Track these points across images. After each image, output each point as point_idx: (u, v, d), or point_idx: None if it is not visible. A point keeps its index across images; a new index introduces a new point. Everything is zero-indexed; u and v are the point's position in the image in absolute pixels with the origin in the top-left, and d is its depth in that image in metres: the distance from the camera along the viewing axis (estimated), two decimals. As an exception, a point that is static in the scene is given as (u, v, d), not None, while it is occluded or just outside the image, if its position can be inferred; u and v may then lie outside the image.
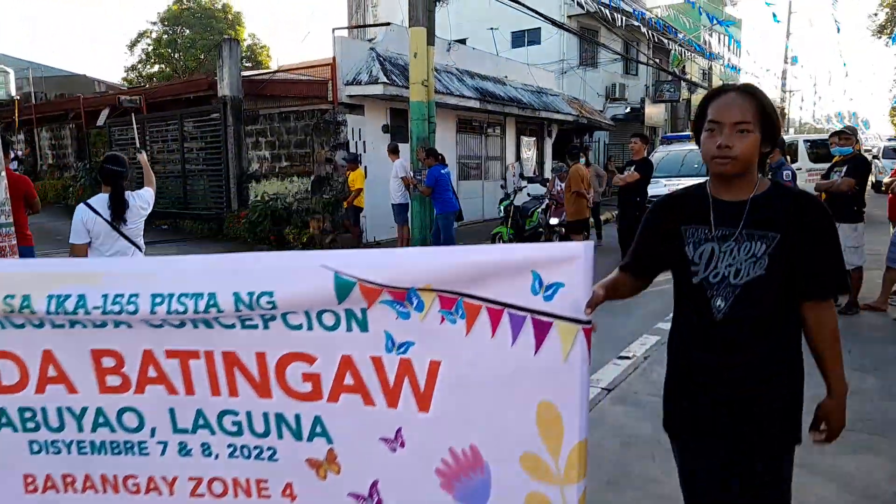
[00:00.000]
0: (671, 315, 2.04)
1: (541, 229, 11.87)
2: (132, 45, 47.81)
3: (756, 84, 2.52)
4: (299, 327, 1.71)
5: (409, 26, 9.98)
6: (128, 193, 4.28)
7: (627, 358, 5.14)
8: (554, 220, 10.65)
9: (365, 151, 12.17)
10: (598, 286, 1.80)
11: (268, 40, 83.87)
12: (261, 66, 41.00)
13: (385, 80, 11.45)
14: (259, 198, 12.70)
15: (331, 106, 11.82)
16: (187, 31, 43.93)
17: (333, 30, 11.57)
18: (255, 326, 1.71)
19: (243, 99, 13.25)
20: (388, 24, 12.98)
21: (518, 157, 17.67)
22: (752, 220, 1.79)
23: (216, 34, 46.35)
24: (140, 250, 4.42)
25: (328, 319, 1.70)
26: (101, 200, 4.17)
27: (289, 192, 12.33)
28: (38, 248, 8.69)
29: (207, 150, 13.73)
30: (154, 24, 44.88)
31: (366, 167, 12.13)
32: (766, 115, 1.77)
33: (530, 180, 14.62)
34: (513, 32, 25.02)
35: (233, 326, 1.72)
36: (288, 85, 13.54)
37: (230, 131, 13.12)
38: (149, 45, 44.97)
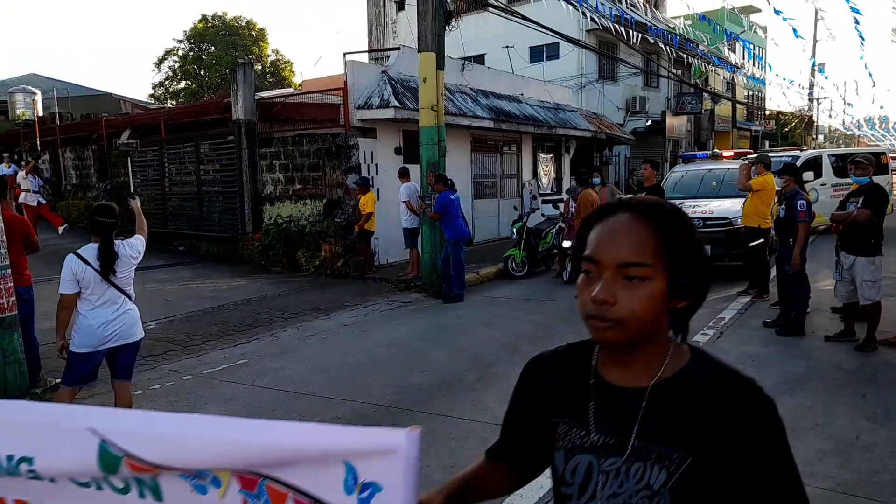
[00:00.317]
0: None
1: (555, 251, 11.73)
2: (159, 63, 48.82)
3: (781, 94, 1.59)
4: (88, 485, 1.45)
5: (419, 51, 9.94)
6: (118, 243, 4.25)
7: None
8: (566, 244, 10.50)
9: (377, 174, 12.15)
10: (437, 492, 1.26)
11: (292, 55, 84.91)
12: (284, 83, 41.51)
13: (396, 103, 11.42)
14: (272, 220, 12.74)
15: (343, 129, 11.83)
16: (212, 48, 44.77)
17: (345, 54, 11.61)
18: (41, 477, 1.47)
19: (257, 122, 13.34)
20: (399, 47, 12.98)
21: (535, 174, 17.54)
22: (651, 424, 1.12)
23: (240, 51, 47.17)
24: (130, 298, 4.39)
25: (117, 482, 1.42)
26: (90, 250, 4.15)
27: (302, 214, 12.35)
28: (55, 270, 8.73)
29: (223, 173, 13.82)
30: (180, 41, 45.82)
31: (378, 190, 12.11)
32: (676, 250, 1.10)
33: (545, 199, 14.49)
34: (531, 47, 24.93)
35: (17, 473, 1.48)
36: (302, 108, 13.59)
37: (244, 154, 13.20)
38: (175, 62, 45.90)
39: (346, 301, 9.45)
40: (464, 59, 15.17)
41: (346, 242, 11.32)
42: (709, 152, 15.51)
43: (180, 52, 44.76)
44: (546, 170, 18.31)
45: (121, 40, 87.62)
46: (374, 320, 8.37)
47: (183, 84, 45.29)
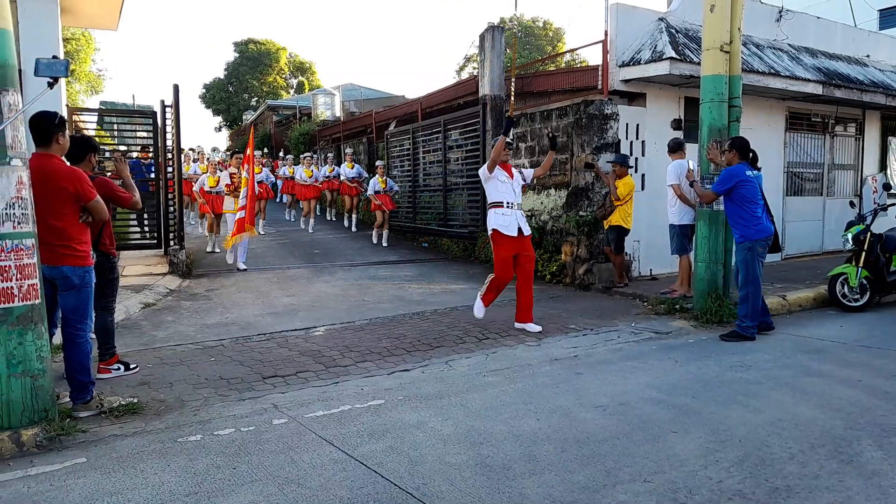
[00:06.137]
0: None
1: (919, 273, 7.55)
2: (460, 70, 50.65)
3: None
4: None
5: (706, -33, 6.80)
6: None
7: None
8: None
9: (643, 155, 9.12)
10: None
11: (590, 55, 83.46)
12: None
13: (673, 54, 8.29)
14: (511, 214, 10.47)
15: (601, 95, 9.06)
16: (507, 50, 44.89)
17: (606, -4, 8.79)
18: None
19: (505, 98, 11.19)
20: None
21: (884, 167, 12.67)
22: None
23: (535, 51, 46.63)
24: None
25: None
26: None
27: (544, 208, 9.85)
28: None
29: (467, 161, 11.98)
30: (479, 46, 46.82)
31: (643, 177, 9.10)
32: None
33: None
34: (881, 10, 19.45)
35: None
36: (554, 77, 11.12)
37: (489, 137, 11.16)
38: (475, 68, 46.97)
39: (573, 322, 6.71)
40: (780, 9, 11.24)
41: (590, 244, 8.53)
42: None
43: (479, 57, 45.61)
44: (901, 162, 13.19)
45: (427, 56, 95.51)
46: (602, 357, 5.52)
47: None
